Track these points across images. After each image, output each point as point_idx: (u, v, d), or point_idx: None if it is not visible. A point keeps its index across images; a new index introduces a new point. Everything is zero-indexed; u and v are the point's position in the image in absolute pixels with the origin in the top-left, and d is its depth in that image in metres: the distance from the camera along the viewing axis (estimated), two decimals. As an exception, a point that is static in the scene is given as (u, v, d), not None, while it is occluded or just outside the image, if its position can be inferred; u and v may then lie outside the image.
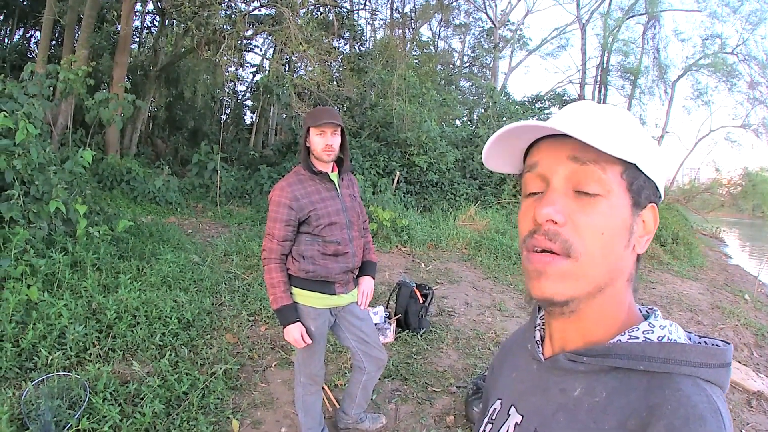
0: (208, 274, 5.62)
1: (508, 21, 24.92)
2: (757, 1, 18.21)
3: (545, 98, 19.86)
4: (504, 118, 15.39)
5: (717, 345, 0.67)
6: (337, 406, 3.38)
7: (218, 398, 3.39)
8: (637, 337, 0.67)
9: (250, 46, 15.92)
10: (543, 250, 0.66)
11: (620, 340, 0.68)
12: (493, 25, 23.42)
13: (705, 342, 0.69)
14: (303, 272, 2.65)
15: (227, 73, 12.24)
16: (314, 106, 11.09)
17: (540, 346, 0.80)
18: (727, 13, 18.93)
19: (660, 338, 0.67)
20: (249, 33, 12.24)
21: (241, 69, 17.22)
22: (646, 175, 0.68)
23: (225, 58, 10.03)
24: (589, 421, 0.65)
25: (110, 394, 3.13)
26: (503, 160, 0.75)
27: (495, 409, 0.83)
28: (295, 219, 2.60)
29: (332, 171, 2.75)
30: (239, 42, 11.37)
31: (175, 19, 12.83)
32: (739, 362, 5.81)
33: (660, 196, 0.72)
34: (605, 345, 0.68)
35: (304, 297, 2.69)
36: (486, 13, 23.34)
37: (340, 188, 2.77)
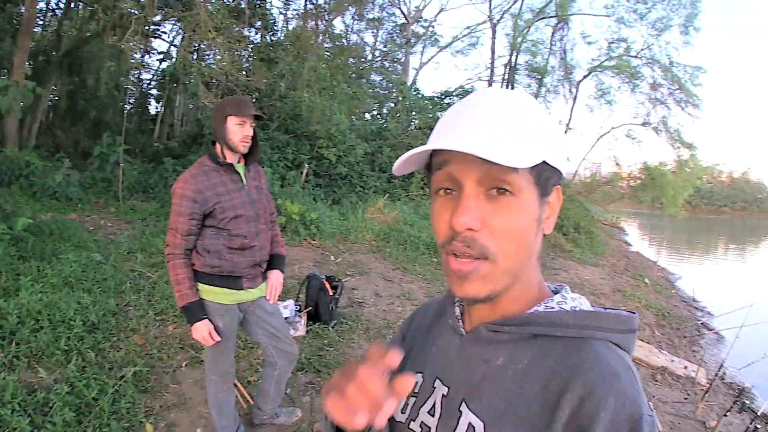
0: (111, 273, 5.41)
1: (421, 17, 25.26)
2: (664, 9, 19.21)
3: (454, 94, 20.28)
4: (413, 112, 15.70)
5: (624, 313, 0.73)
6: (252, 403, 3.34)
7: (129, 402, 3.27)
8: (553, 307, 0.74)
9: (158, 32, 15.22)
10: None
11: (537, 310, 0.73)
12: (406, 21, 23.69)
13: (612, 311, 0.74)
14: (209, 267, 2.57)
15: (133, 60, 11.72)
16: (222, 96, 10.83)
17: (460, 320, 0.82)
18: (635, 19, 19.79)
19: (573, 308, 0.74)
20: (157, 18, 11.77)
21: (147, 56, 16.47)
22: (551, 165, 0.71)
23: (131, 44, 9.61)
24: (514, 387, 0.69)
25: (18, 404, 2.97)
26: (410, 166, 0.73)
27: (417, 383, 0.84)
28: (199, 212, 2.50)
29: (239, 162, 2.67)
30: (147, 27, 10.90)
31: (81, 1, 12.11)
32: (642, 341, 6.29)
33: (562, 176, 0.75)
34: (524, 315, 0.73)
35: (211, 293, 2.61)
36: (400, 8, 23.61)
37: (247, 180, 2.69)
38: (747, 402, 4.80)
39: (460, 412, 0.74)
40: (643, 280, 10.81)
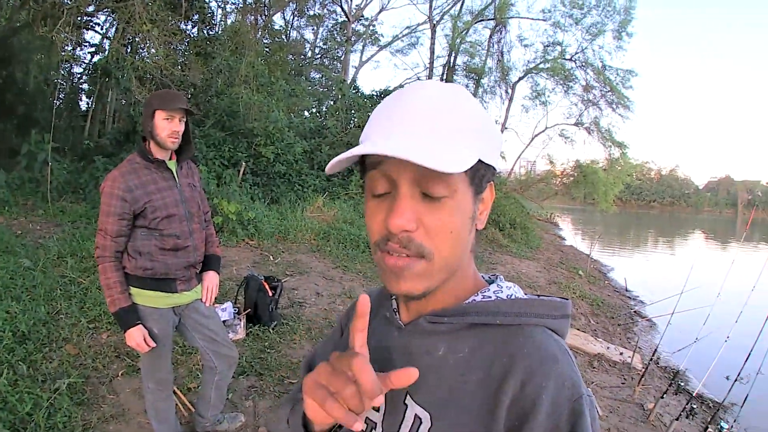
0: (41, 279, 5.12)
1: (362, 16, 25.27)
2: (598, 15, 20.04)
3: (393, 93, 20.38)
4: (352, 111, 15.64)
5: (557, 299, 0.76)
6: (193, 410, 3.21)
7: (65, 416, 3.10)
8: (490, 296, 0.76)
9: (91, 24, 14.55)
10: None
11: (475, 300, 0.76)
12: (347, 19, 23.61)
13: (546, 298, 0.77)
14: (140, 270, 2.46)
15: (63, 53, 11.13)
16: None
17: (397, 313, 0.83)
18: (570, 23, 20.63)
19: (509, 296, 0.76)
20: (91, 9, 11.24)
21: (79, 49, 15.71)
22: (486, 163, 0.71)
23: (62, 35, 9.12)
24: (456, 375, 0.71)
25: (-50, 424, 2.77)
26: (343, 163, 0.70)
27: None
28: (129, 212, 2.39)
29: (170, 159, 2.56)
30: (79, 18, 10.40)
31: (11, -12, 11.42)
32: (578, 329, 6.50)
33: (495, 172, 0.76)
34: (462, 305, 0.75)
35: (144, 297, 2.51)
36: (341, 6, 23.47)
37: (179, 177, 2.59)
38: (682, 384, 4.97)
39: (406, 405, 0.75)
40: (577, 272, 11.18)
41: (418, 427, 0.72)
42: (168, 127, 2.44)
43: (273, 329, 4.92)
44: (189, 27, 14.49)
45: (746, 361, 4.07)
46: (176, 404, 3.15)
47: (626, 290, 11.11)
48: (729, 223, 57.50)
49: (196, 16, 14.23)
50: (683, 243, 28.39)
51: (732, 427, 4.46)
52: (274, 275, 5.90)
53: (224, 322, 4.58)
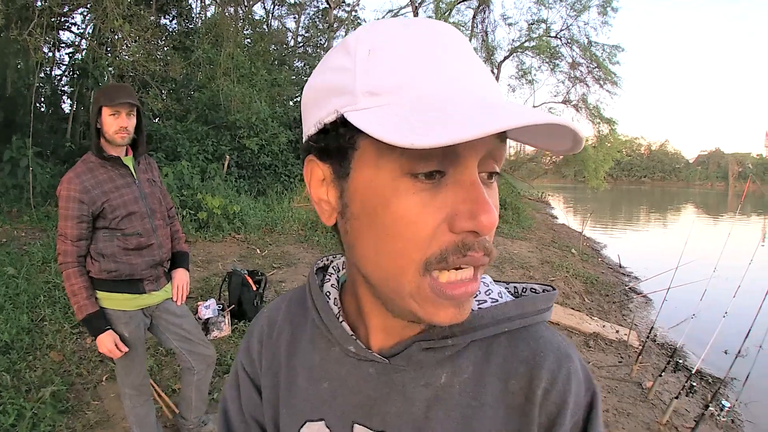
0: (24, 286, 5.04)
1: (344, 2, 25.06)
2: None
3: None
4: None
5: (551, 291, 0.65)
6: (177, 412, 3.13)
7: (49, 425, 3.05)
8: (485, 301, 0.63)
9: (67, 24, 14.31)
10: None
11: (480, 309, 0.61)
12: (328, 6, 23.42)
13: (531, 289, 0.67)
14: (105, 273, 2.39)
15: (36, 55, 10.89)
16: (138, 90, 10.30)
17: (358, 339, 0.64)
18: (554, 0, 20.62)
19: (500, 293, 0.64)
20: (66, 9, 11.00)
21: (57, 50, 15.47)
22: None
23: (34, 38, 8.92)
24: (468, 400, 0.59)
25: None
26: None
27: None
28: (88, 214, 2.32)
29: (126, 155, 2.48)
30: (53, 19, 10.18)
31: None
32: (572, 309, 6.43)
33: None
34: (467, 319, 0.57)
35: (112, 300, 2.43)
36: (322, -8, 23.32)
37: (137, 173, 2.51)
38: (680, 361, 4.90)
39: None
40: (569, 251, 11.14)
41: None
42: (115, 123, 2.36)
43: (259, 324, 4.80)
44: (167, 21, 14.32)
45: (747, 336, 3.98)
46: (161, 407, 3.12)
47: (620, 267, 11.06)
48: (721, 196, 57.75)
49: (174, 11, 14.04)
50: (675, 217, 28.53)
51: (734, 406, 4.39)
52: (258, 269, 5.80)
53: (208, 319, 4.51)
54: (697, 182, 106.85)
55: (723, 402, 4.13)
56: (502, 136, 0.51)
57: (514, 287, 0.68)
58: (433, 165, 0.48)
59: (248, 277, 4.93)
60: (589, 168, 21.19)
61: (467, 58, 0.51)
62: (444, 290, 0.50)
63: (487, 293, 0.64)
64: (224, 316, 4.61)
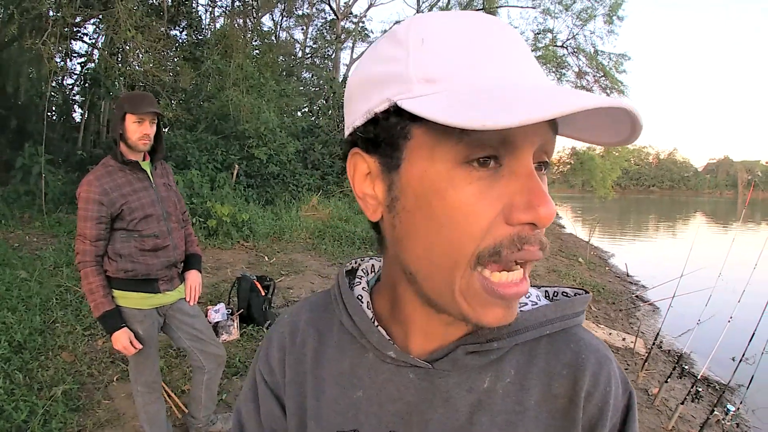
0: (37, 289, 5.14)
1: (351, 13, 25.21)
2: (588, 0, 20.00)
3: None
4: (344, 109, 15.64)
5: (579, 293, 0.65)
6: (187, 412, 3.19)
7: (61, 422, 3.12)
8: (525, 304, 0.62)
9: (79, 34, 14.48)
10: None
11: (522, 311, 0.60)
12: (335, 17, 23.54)
13: (563, 293, 0.67)
14: (122, 272, 2.46)
15: (50, 64, 11.05)
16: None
17: (394, 344, 0.62)
18: (560, 10, 20.64)
19: (537, 296, 0.64)
20: (78, 19, 11.16)
21: (69, 60, 15.63)
22: None
23: (49, 47, 9.05)
24: (512, 405, 0.58)
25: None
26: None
27: None
28: (107, 215, 2.40)
29: (144, 160, 2.57)
30: (66, 29, 10.33)
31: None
32: None
33: None
34: (514, 321, 0.57)
35: (127, 299, 2.51)
36: (329, 4, 23.42)
37: (154, 177, 2.60)
38: (686, 367, 4.92)
39: None
40: (576, 260, 11.12)
41: None
42: (139, 130, 2.44)
43: (267, 329, 4.85)
44: (177, 32, 14.47)
45: (750, 340, 4.00)
46: (170, 407, 3.16)
47: (627, 275, 11.03)
48: (730, 204, 57.56)
49: (184, 22, 14.19)
50: (684, 226, 28.39)
51: (738, 409, 4.40)
52: (266, 275, 5.86)
53: (217, 323, 4.56)
54: (706, 191, 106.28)
55: (728, 406, 4.15)
56: (554, 128, 0.51)
57: (546, 291, 0.67)
58: (491, 150, 0.47)
59: (257, 283, 4.99)
60: (596, 177, 21.18)
61: (518, 47, 0.51)
62: (495, 289, 0.49)
63: (527, 296, 0.63)
64: (233, 320, 4.66)
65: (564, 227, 20.81)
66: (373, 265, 0.71)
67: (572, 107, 0.40)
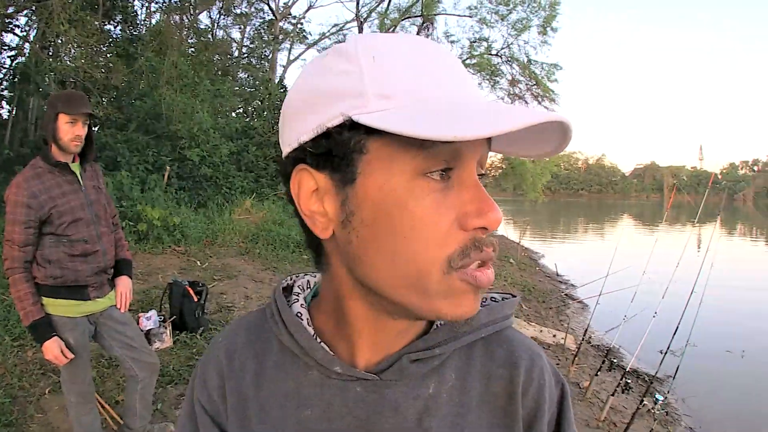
0: None
1: (290, 14, 24.95)
2: (524, 11, 20.61)
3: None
4: (280, 111, 15.43)
5: (506, 297, 0.68)
6: (122, 423, 3.10)
7: None
8: None
9: (11, 26, 13.68)
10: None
11: None
12: (274, 17, 23.27)
13: (491, 298, 0.68)
14: (51, 279, 2.39)
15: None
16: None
17: (336, 358, 0.61)
18: (496, 19, 21.15)
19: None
20: (11, 10, 10.57)
21: (-3, 53, 14.77)
22: None
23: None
24: (456, 408, 0.60)
25: None
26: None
27: None
28: (35, 219, 2.32)
29: (73, 161, 2.48)
30: (-4, 21, 9.81)
31: None
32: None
33: None
34: (452, 326, 0.61)
35: (57, 306, 2.43)
36: (268, 4, 23.13)
37: (83, 180, 2.52)
38: (615, 360, 5.13)
39: None
40: (508, 261, 11.45)
41: None
42: (71, 131, 2.37)
43: (201, 335, 4.79)
44: (112, 27, 13.93)
45: (674, 334, 4.22)
46: (105, 418, 3.09)
47: (557, 275, 11.47)
48: (656, 207, 60.35)
49: (119, 17, 13.68)
50: (611, 228, 29.65)
51: (666, 398, 4.63)
52: (199, 280, 5.76)
53: (149, 330, 4.46)
54: (633, 194, 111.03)
55: (657, 396, 4.36)
56: (489, 143, 0.55)
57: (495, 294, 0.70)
58: (444, 164, 0.50)
59: (189, 288, 4.91)
60: (527, 181, 21.79)
61: (460, 69, 0.54)
62: (476, 277, 0.51)
63: None
64: (165, 328, 4.56)
65: (496, 230, 21.36)
66: (308, 281, 0.70)
67: (529, 121, 0.44)
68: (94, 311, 2.58)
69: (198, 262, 7.68)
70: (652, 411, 4.34)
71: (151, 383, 2.85)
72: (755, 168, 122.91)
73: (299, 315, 0.63)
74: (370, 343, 0.60)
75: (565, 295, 9.25)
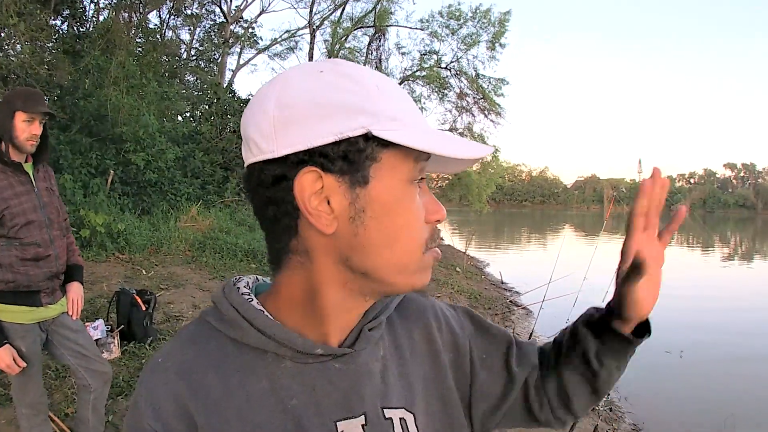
0: None
1: (242, 18, 24.69)
2: (474, 26, 21.36)
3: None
4: (228, 115, 15.20)
5: None
6: None
7: None
8: None
9: None
10: None
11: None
12: (225, 20, 22.98)
13: None
14: (2, 284, 2.31)
15: None
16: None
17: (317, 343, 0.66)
18: (446, 33, 21.84)
19: None
20: None
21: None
22: None
23: None
24: (398, 361, 0.74)
25: None
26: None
27: None
28: None
29: (26, 161, 2.42)
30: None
31: None
32: None
33: None
34: (380, 301, 0.73)
35: (8, 313, 2.35)
36: (220, 7, 22.86)
37: (36, 181, 2.45)
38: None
39: (389, 418, 0.69)
40: (454, 269, 11.66)
41: (408, 427, 0.70)
42: (28, 129, 2.31)
43: (149, 345, 4.71)
44: (58, 23, 13.44)
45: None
46: (55, 431, 2.99)
47: (502, 282, 11.78)
48: (596, 218, 62.23)
49: (66, 12, 13.22)
50: (553, 237, 30.47)
51: (609, 395, 4.96)
52: (147, 289, 5.65)
53: (97, 341, 4.32)
54: (574, 205, 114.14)
55: None
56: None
57: None
58: (420, 174, 0.63)
59: (137, 297, 4.82)
60: (473, 192, 22.27)
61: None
62: (437, 253, 0.67)
63: None
64: (113, 338, 4.47)
65: (442, 239, 21.60)
66: (247, 282, 0.72)
67: (486, 151, 0.65)
68: (45, 318, 2.51)
69: (143, 271, 7.52)
70: (597, 408, 4.56)
71: (103, 394, 2.78)
72: (692, 180, 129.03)
73: (262, 311, 0.66)
74: (338, 325, 0.67)
75: (510, 301, 9.51)
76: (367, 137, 0.58)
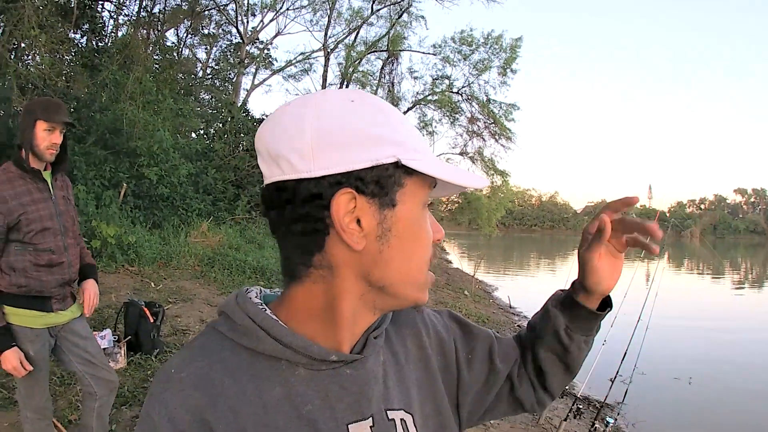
0: None
1: (257, 39, 24.98)
2: (486, 52, 21.71)
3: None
4: (241, 134, 15.37)
5: None
6: None
7: None
8: None
9: None
10: None
11: None
12: (241, 41, 23.25)
13: None
14: (15, 287, 2.34)
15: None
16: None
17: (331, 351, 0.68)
18: (458, 59, 22.20)
19: None
20: None
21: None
22: None
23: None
24: (395, 366, 0.79)
25: None
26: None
27: None
28: (3, 224, 2.28)
29: (45, 169, 2.46)
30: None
31: None
32: None
33: None
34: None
35: (19, 316, 2.38)
36: (236, 27, 23.15)
37: (54, 189, 2.49)
38: (567, 388, 5.30)
39: (392, 419, 0.74)
40: (463, 293, 11.63)
41: (408, 428, 0.76)
42: (49, 138, 2.36)
43: (156, 357, 4.72)
44: (78, 36, 13.64)
45: (622, 360, 4.43)
46: None
47: (510, 307, 11.70)
48: (605, 243, 61.78)
49: (86, 26, 13.43)
50: (562, 262, 30.25)
51: (617, 421, 4.85)
52: (155, 301, 5.65)
53: (104, 350, 4.33)
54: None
55: (608, 419, 4.53)
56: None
57: None
58: (430, 200, 0.72)
59: (146, 309, 4.83)
60: (482, 216, 22.31)
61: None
62: (433, 279, 0.74)
63: None
64: (120, 348, 4.48)
65: (451, 262, 21.58)
66: (256, 293, 0.75)
67: (485, 183, 0.78)
68: (55, 323, 2.53)
69: (152, 284, 7.55)
70: (605, 435, 4.52)
71: (108, 402, 2.79)
72: (702, 206, 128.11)
73: (278, 321, 0.68)
74: (349, 333, 0.71)
75: (518, 326, 9.45)
76: (396, 165, 0.64)
